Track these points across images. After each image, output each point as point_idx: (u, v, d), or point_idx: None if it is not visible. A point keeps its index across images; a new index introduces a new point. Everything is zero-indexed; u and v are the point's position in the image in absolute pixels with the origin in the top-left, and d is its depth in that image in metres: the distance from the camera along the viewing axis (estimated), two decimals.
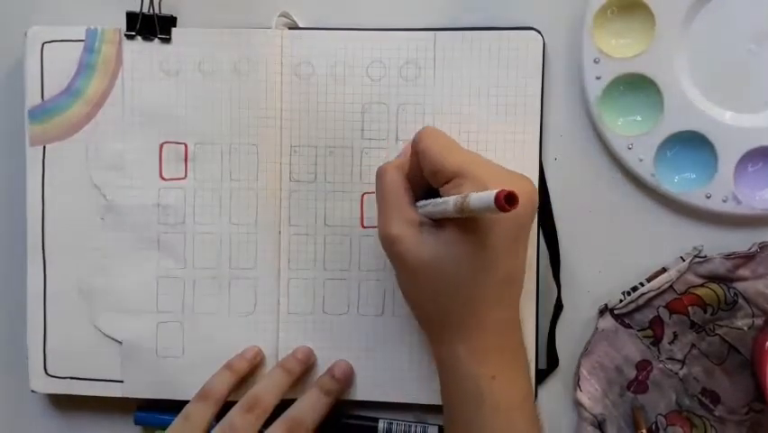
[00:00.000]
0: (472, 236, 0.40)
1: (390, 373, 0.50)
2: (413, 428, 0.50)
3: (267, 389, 0.48)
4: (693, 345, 0.49)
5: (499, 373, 0.42)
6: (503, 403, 0.42)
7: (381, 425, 0.50)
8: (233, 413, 0.47)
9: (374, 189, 0.44)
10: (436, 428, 0.50)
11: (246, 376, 0.50)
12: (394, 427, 0.50)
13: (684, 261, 0.49)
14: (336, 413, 0.50)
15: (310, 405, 0.48)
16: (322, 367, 0.51)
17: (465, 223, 0.40)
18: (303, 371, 0.50)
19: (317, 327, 0.51)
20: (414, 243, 0.42)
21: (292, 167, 0.50)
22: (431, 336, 0.45)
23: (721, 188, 0.48)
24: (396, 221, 0.42)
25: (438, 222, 0.42)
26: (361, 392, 0.51)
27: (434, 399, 0.50)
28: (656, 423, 0.50)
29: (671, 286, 0.49)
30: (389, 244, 0.43)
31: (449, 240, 0.41)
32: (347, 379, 0.50)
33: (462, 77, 0.49)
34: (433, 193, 0.43)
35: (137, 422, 0.52)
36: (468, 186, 0.40)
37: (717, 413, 0.49)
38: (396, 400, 0.51)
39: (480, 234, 0.40)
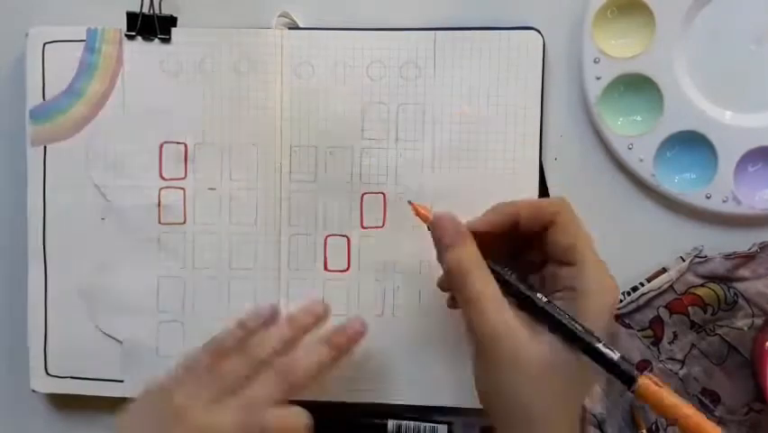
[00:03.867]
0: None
1: (390, 373, 0.50)
2: (422, 428, 0.50)
3: (266, 339, 0.44)
4: (693, 346, 0.49)
5: None
6: None
7: (391, 425, 0.50)
8: (229, 360, 0.44)
9: (374, 190, 0.44)
10: (446, 427, 0.50)
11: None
12: (403, 426, 0.50)
13: (684, 261, 0.49)
14: (345, 414, 0.50)
15: (307, 352, 0.44)
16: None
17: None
18: (311, 325, 0.46)
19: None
20: (527, 335, 0.38)
21: (292, 167, 0.51)
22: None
23: (721, 189, 0.48)
24: (500, 315, 0.39)
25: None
26: (361, 393, 0.51)
27: (433, 399, 0.50)
28: (656, 423, 0.50)
29: (671, 286, 0.49)
30: (495, 343, 0.39)
31: (560, 342, 0.39)
32: (359, 336, 0.46)
33: (462, 77, 0.49)
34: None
35: None
36: (581, 300, 0.39)
37: (717, 413, 0.49)
38: (395, 402, 0.50)
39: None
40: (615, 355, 0.38)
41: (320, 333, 0.46)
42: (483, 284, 0.40)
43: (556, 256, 0.41)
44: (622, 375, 0.38)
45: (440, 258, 0.42)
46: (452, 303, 0.46)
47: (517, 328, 0.39)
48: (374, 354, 0.50)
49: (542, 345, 0.38)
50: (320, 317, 0.46)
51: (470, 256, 0.41)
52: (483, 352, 0.40)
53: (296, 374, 0.43)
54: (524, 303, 0.40)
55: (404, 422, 0.50)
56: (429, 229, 0.43)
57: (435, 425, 0.50)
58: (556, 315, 0.39)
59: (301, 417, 0.42)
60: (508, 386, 0.39)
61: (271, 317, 0.46)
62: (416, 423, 0.50)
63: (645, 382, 0.37)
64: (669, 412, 0.37)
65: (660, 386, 0.37)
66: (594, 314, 0.39)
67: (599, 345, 0.38)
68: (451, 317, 0.50)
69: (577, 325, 0.38)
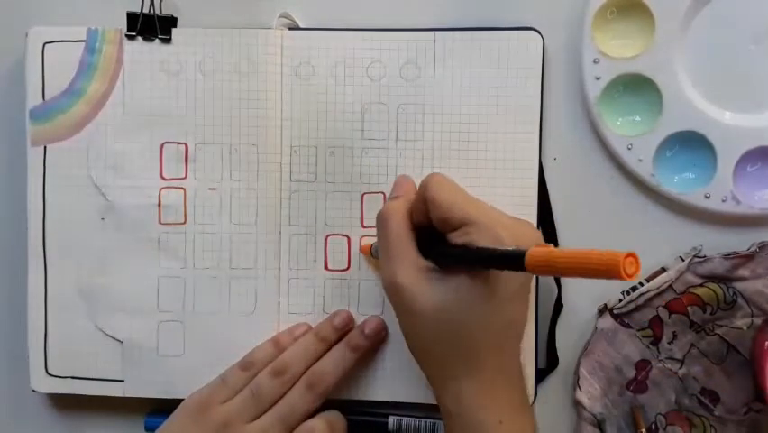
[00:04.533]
0: (482, 283, 0.41)
1: (390, 372, 0.50)
2: (422, 424, 0.50)
3: (297, 356, 0.48)
4: (692, 345, 0.49)
5: (506, 417, 0.42)
6: None
7: (391, 421, 0.50)
8: (261, 376, 0.47)
9: (374, 190, 0.44)
10: None
11: None
12: (404, 423, 0.50)
13: (683, 261, 0.49)
14: (346, 411, 0.50)
15: (333, 361, 0.48)
16: None
17: (475, 271, 0.41)
18: (338, 338, 0.49)
19: None
20: (421, 290, 0.42)
21: (292, 167, 0.51)
22: (434, 383, 0.44)
23: (720, 189, 0.48)
24: (403, 269, 0.42)
25: (445, 268, 0.42)
26: (361, 392, 0.51)
27: (433, 398, 0.50)
28: (656, 423, 0.50)
29: (670, 286, 0.49)
30: (395, 292, 0.43)
31: (458, 287, 0.41)
32: (377, 335, 0.49)
33: (462, 77, 0.49)
34: (434, 231, 0.44)
35: (147, 428, 0.52)
36: (475, 234, 0.41)
37: (716, 413, 0.49)
38: (395, 400, 0.51)
39: (490, 281, 0.41)
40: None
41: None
42: (399, 236, 0.43)
43: (441, 227, 0.43)
44: (513, 260, 0.37)
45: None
46: (375, 261, 0.49)
47: (417, 281, 0.42)
48: (374, 353, 0.50)
49: (434, 294, 0.41)
50: (345, 328, 0.50)
51: (400, 210, 0.44)
52: (390, 301, 0.44)
53: (325, 383, 0.47)
54: (436, 257, 0.43)
55: (404, 418, 0.51)
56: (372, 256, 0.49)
57: (436, 421, 0.50)
58: (451, 249, 0.42)
59: (340, 419, 0.49)
60: (409, 332, 0.44)
61: (302, 334, 0.50)
62: (416, 420, 0.50)
63: (534, 249, 0.36)
64: (565, 262, 0.34)
65: (546, 245, 0.38)
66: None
67: (489, 248, 0.39)
68: None
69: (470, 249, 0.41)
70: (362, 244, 0.50)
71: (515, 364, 0.44)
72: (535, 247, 0.36)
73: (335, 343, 0.49)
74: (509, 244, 0.40)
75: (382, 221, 0.45)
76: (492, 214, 0.43)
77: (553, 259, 0.35)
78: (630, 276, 0.32)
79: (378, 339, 0.50)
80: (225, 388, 0.48)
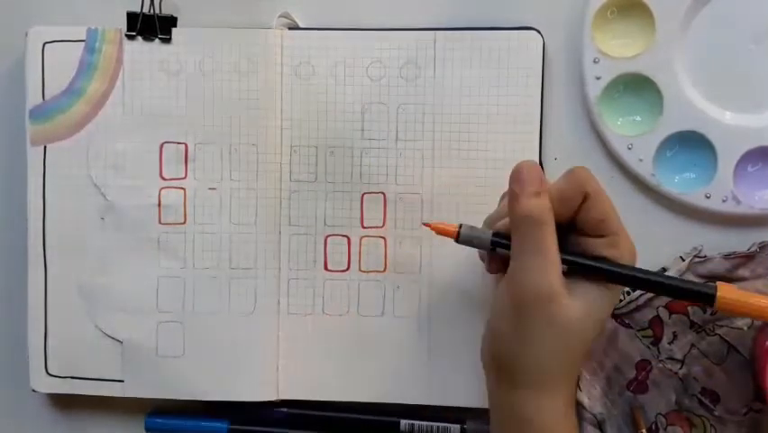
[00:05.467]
0: (613, 299, 0.41)
1: (390, 374, 0.50)
2: (435, 428, 0.50)
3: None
4: (693, 345, 0.49)
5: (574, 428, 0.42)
6: None
7: (403, 425, 0.50)
8: None
9: (374, 190, 0.44)
10: (458, 428, 0.50)
11: None
12: (416, 427, 0.50)
13: (684, 261, 0.49)
14: (358, 414, 0.50)
15: None
16: (328, 364, 0.51)
17: (605, 284, 0.41)
18: None
19: (317, 327, 0.51)
20: (571, 301, 0.40)
21: (292, 167, 0.51)
22: (504, 385, 0.42)
23: (721, 189, 0.48)
24: (558, 278, 0.40)
25: (578, 274, 0.41)
26: (360, 393, 0.51)
27: (432, 399, 0.50)
28: (656, 423, 0.50)
29: None
30: (545, 302, 0.39)
31: (598, 299, 0.41)
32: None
33: (462, 76, 0.49)
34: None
35: (147, 428, 0.52)
36: (622, 247, 0.40)
37: (716, 413, 0.49)
38: (394, 402, 0.50)
39: (612, 296, 0.41)
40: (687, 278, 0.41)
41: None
42: (553, 240, 0.40)
43: (586, 230, 0.41)
44: (700, 295, 0.39)
45: (516, 206, 0.40)
46: (495, 267, 0.44)
47: (562, 291, 0.40)
48: (378, 355, 0.50)
49: (581, 305, 0.40)
50: None
51: (550, 209, 0.40)
52: (521, 307, 0.40)
53: None
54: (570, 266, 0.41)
55: (416, 422, 0.50)
56: (458, 241, 0.42)
57: (448, 425, 0.50)
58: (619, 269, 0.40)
59: None
60: (540, 343, 0.40)
61: None
62: (429, 423, 0.50)
63: (724, 287, 0.38)
64: (754, 307, 0.39)
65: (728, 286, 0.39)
66: None
67: (671, 275, 0.41)
68: (450, 317, 0.50)
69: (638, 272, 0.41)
70: (440, 227, 0.43)
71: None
72: (724, 287, 0.38)
73: None
74: (633, 262, 0.41)
75: (533, 223, 0.40)
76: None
77: (748, 303, 0.39)
78: None
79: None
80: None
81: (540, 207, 0.40)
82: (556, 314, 0.39)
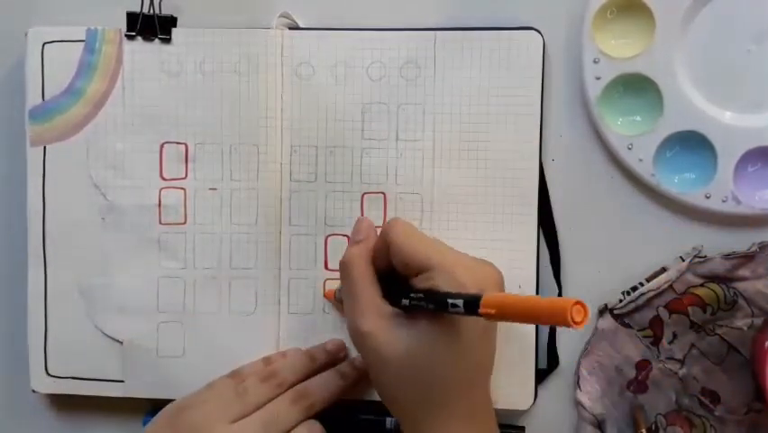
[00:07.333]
0: (447, 328, 0.41)
1: None
2: None
3: (286, 367, 0.48)
4: (693, 345, 0.49)
5: None
6: None
7: (389, 422, 0.50)
8: (249, 380, 0.47)
9: (374, 190, 0.44)
10: None
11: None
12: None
13: (684, 261, 0.49)
14: (344, 412, 0.50)
15: (322, 382, 0.48)
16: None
17: (439, 314, 0.41)
18: (328, 362, 0.50)
19: (317, 327, 0.51)
20: (387, 338, 0.42)
21: (292, 167, 0.51)
22: (406, 427, 0.44)
23: (721, 189, 0.48)
24: (367, 317, 0.43)
25: (410, 313, 0.42)
26: (360, 392, 0.51)
27: None
28: (656, 423, 0.50)
29: (670, 286, 0.49)
30: (361, 340, 0.43)
31: (423, 332, 0.41)
32: (338, 353, 0.50)
33: (462, 77, 0.49)
34: (398, 276, 0.44)
35: None
36: (438, 278, 0.41)
37: (716, 413, 0.49)
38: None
39: (455, 325, 0.41)
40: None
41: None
42: (366, 283, 0.44)
43: (404, 271, 0.43)
44: (469, 306, 0.38)
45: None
46: (340, 305, 0.48)
47: (382, 328, 0.42)
48: None
49: (399, 341, 0.42)
50: (337, 354, 0.50)
51: (362, 256, 0.45)
52: (355, 345, 0.44)
53: (311, 399, 0.47)
54: (400, 303, 0.43)
55: None
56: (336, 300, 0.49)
57: None
58: (413, 298, 0.42)
59: (321, 430, 0.47)
60: (376, 378, 0.44)
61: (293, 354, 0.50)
62: None
63: (487, 296, 0.37)
64: (519, 309, 0.36)
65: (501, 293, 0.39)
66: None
67: (447, 297, 0.39)
68: None
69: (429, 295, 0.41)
70: (326, 290, 0.50)
71: (485, 403, 0.44)
72: (487, 295, 0.37)
73: (326, 367, 0.49)
74: (471, 288, 0.40)
75: (345, 267, 0.45)
76: (454, 257, 0.43)
77: (506, 305, 0.36)
78: (578, 324, 0.33)
79: (340, 359, 0.50)
80: (210, 392, 0.47)
81: (351, 253, 0.45)
82: (377, 350, 0.42)
